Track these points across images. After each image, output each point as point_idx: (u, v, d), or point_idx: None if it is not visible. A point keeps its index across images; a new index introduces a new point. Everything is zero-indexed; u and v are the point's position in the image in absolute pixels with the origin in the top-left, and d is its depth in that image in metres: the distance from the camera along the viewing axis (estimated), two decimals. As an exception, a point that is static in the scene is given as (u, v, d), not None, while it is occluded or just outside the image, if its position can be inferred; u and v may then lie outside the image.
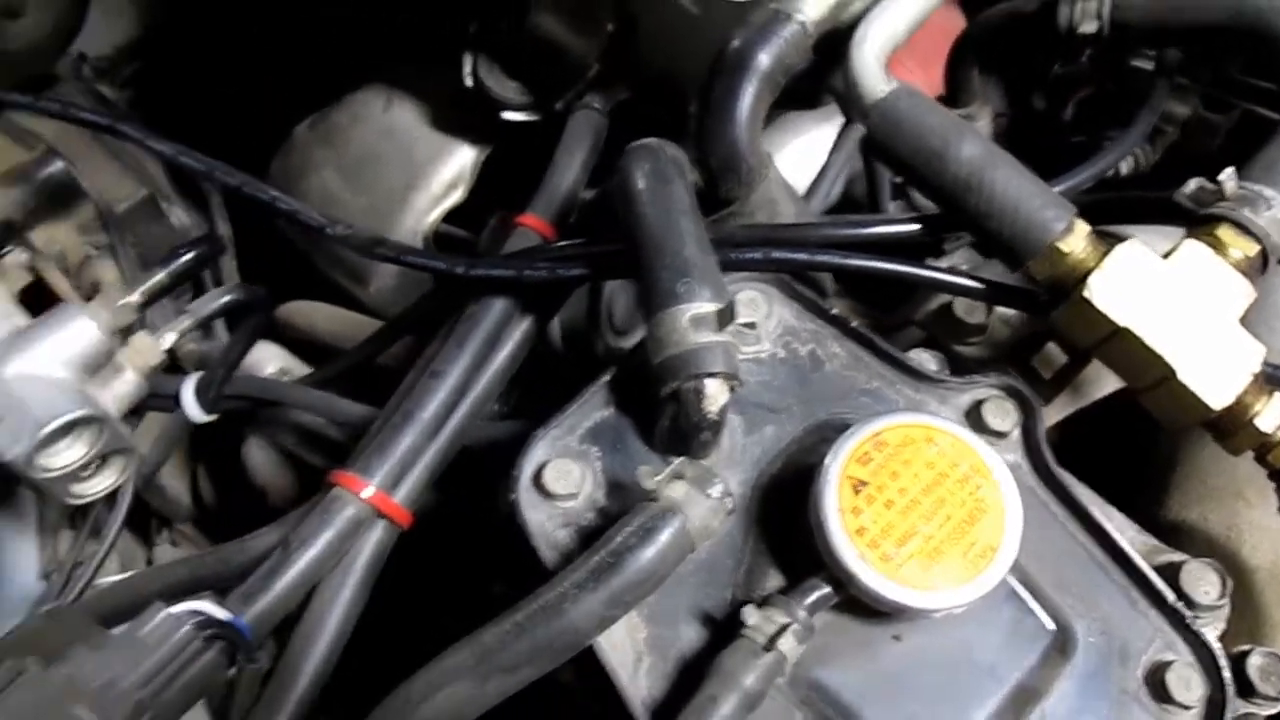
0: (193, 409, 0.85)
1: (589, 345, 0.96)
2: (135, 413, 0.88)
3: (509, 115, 0.97)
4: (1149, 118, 0.88)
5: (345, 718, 0.68)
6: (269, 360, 1.09)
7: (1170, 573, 0.69)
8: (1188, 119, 1.01)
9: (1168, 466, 0.83)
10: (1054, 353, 0.77)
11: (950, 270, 0.76)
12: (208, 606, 0.64)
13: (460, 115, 1.03)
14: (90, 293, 0.97)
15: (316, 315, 1.13)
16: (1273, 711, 0.69)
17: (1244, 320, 0.85)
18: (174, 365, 0.92)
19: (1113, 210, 0.88)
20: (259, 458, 1.07)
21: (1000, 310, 0.80)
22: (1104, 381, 0.87)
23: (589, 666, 0.63)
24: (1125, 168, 1.00)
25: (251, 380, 0.88)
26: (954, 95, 0.98)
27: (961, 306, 0.79)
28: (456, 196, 1.04)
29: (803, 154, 0.95)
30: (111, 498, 0.81)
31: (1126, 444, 0.87)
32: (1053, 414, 0.87)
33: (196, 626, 0.63)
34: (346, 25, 1.14)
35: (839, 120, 0.97)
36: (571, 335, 0.95)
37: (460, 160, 1.04)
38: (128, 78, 1.37)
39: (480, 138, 1.04)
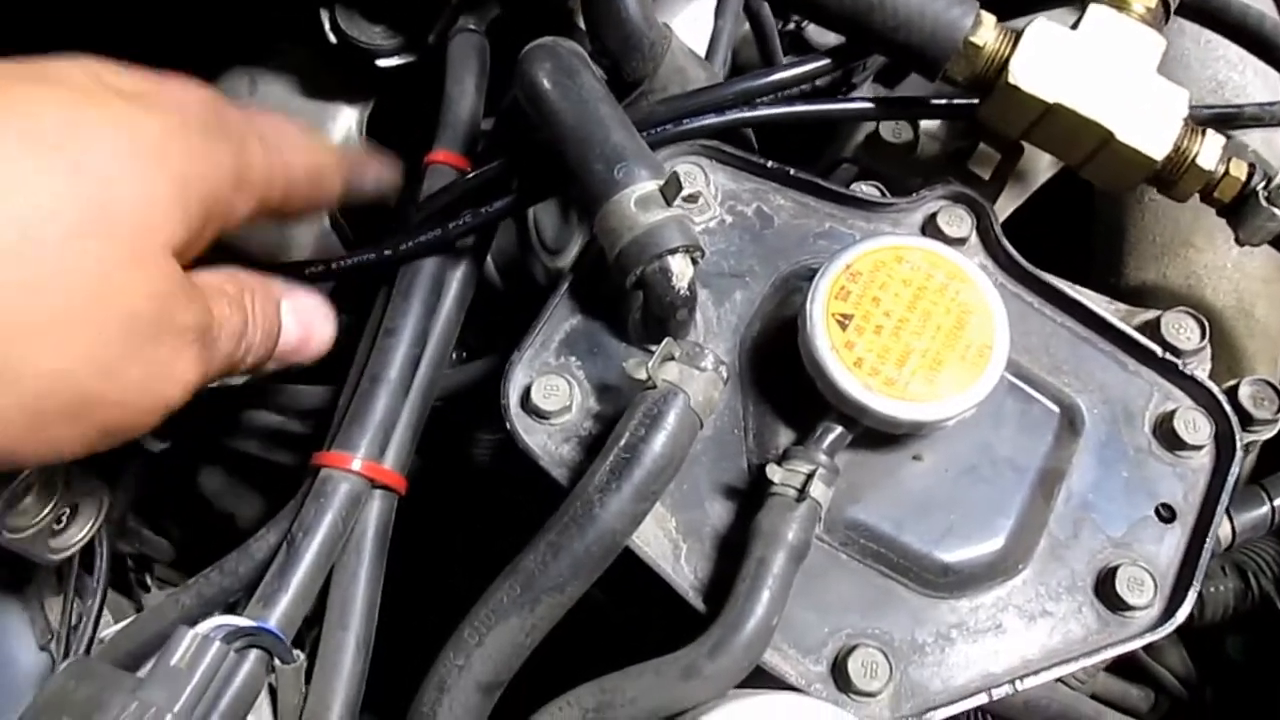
0: (147, 438, 0.81)
1: (526, 272, 0.94)
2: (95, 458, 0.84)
3: (383, 62, 0.92)
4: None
5: (395, 691, 0.67)
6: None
7: (1150, 330, 0.71)
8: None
9: (1114, 236, 0.84)
10: (987, 152, 0.77)
11: (866, 98, 0.75)
12: (231, 619, 0.62)
13: (331, 76, 0.99)
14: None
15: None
16: (1271, 434, 0.72)
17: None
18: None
19: (1009, 4, 0.89)
20: (216, 484, 1.04)
21: (925, 125, 0.80)
22: (1040, 169, 0.88)
23: (627, 572, 0.62)
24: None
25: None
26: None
27: (887, 130, 0.79)
28: (350, 161, 1.00)
29: (689, 27, 0.93)
30: (89, 552, 0.78)
31: (1064, 228, 0.89)
32: (1002, 211, 0.88)
33: (226, 640, 0.60)
34: (194, 21, 1.08)
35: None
36: (506, 265, 0.93)
37: (344, 122, 0.99)
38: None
39: (358, 94, 0.99)
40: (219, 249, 0.69)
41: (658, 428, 0.59)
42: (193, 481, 1.04)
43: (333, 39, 0.92)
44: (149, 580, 1.07)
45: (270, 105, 1.02)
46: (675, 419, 0.59)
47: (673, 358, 0.61)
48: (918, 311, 0.63)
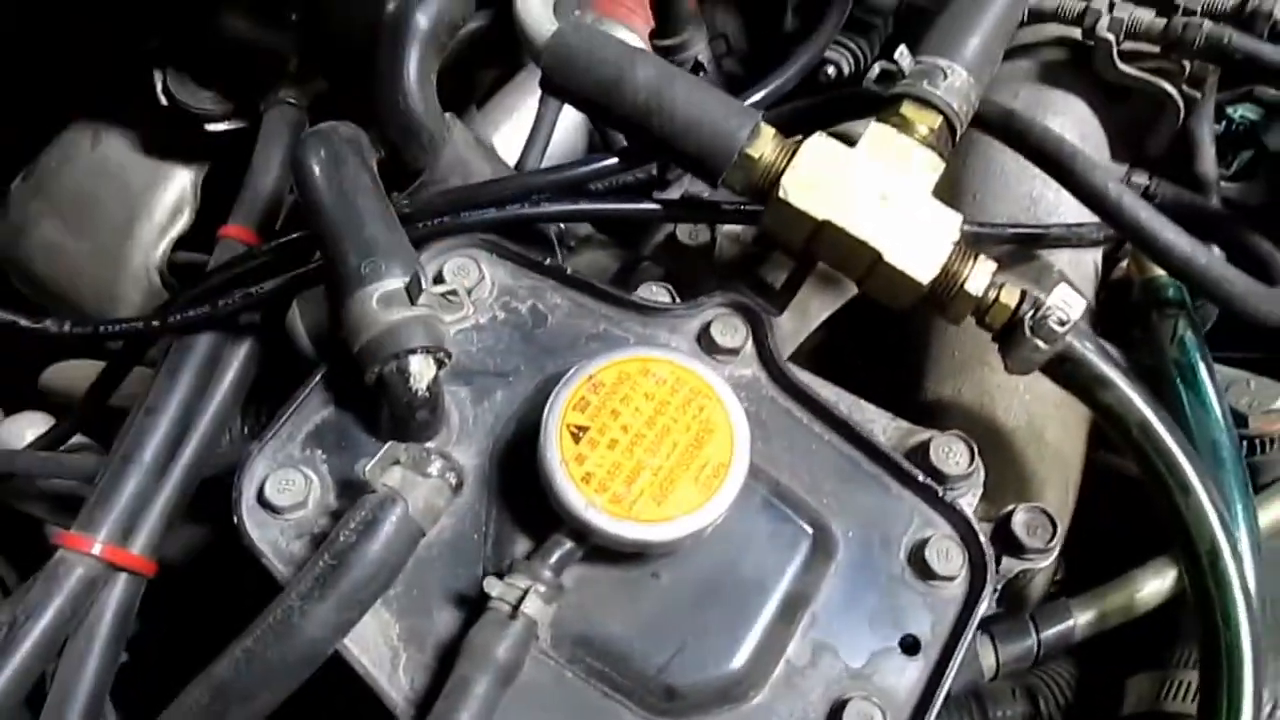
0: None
1: (338, 340, 0.93)
2: None
3: (212, 126, 0.92)
4: (835, 19, 0.89)
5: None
6: (28, 429, 1.03)
7: (921, 452, 0.70)
8: (897, 8, 1.01)
9: (920, 349, 0.84)
10: (780, 259, 0.77)
11: (649, 199, 0.74)
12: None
13: (169, 137, 0.98)
14: None
15: (76, 374, 1.07)
16: (1046, 563, 0.71)
17: (973, 189, 0.87)
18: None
19: (829, 113, 0.89)
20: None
21: (727, 228, 0.80)
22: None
23: (339, 674, 0.60)
24: (847, 67, 1.01)
25: (-29, 459, 0.82)
26: (663, 26, 0.97)
27: (684, 232, 0.78)
28: (183, 222, 0.99)
29: (520, 131, 0.92)
30: None
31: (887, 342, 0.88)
32: (816, 316, 0.87)
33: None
34: (38, 68, 1.07)
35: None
36: (320, 339, 0.91)
37: (179, 183, 0.98)
38: None
39: (194, 156, 0.98)
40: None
41: (370, 535, 0.58)
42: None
43: (163, 101, 0.92)
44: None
45: (110, 161, 1.01)
46: (390, 528, 0.58)
47: (397, 462, 0.60)
48: (656, 427, 0.61)
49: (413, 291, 0.62)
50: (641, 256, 0.81)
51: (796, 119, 0.79)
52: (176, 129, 0.95)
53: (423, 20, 0.70)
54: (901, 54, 0.72)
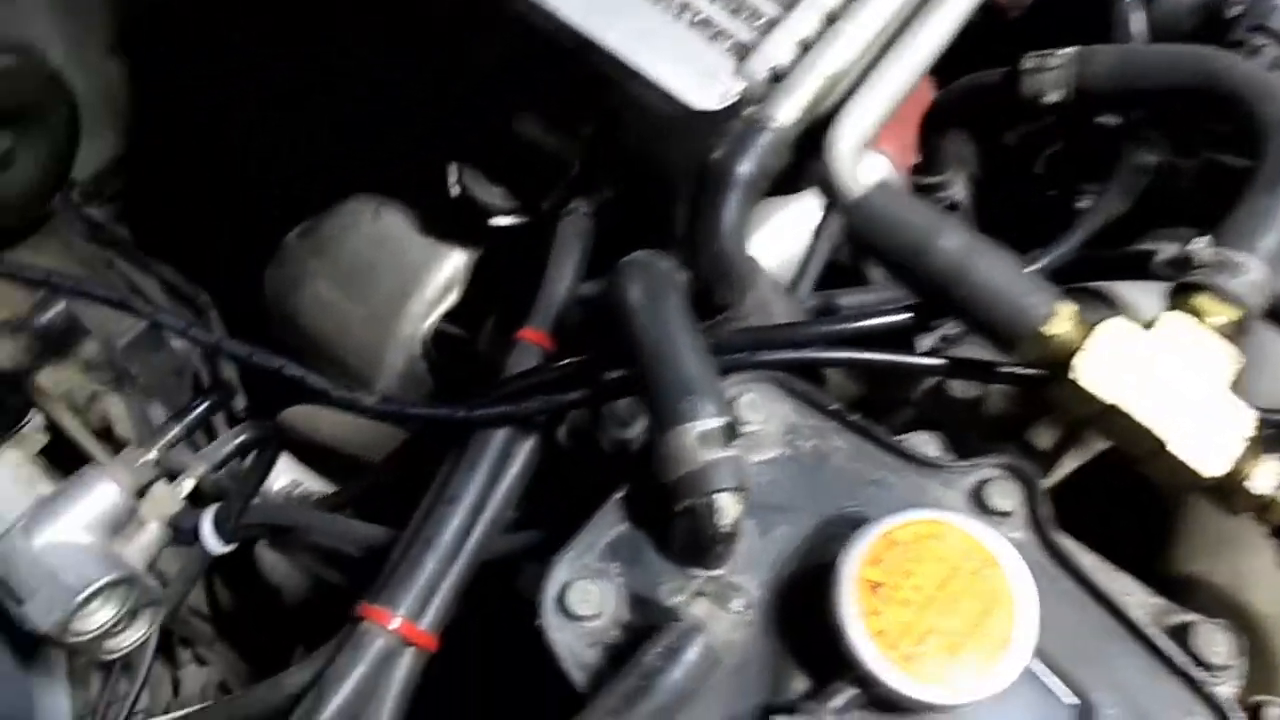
0: (212, 542, 0.86)
1: (594, 439, 0.98)
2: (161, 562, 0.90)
3: (496, 220, 0.99)
4: (1122, 182, 0.91)
5: None
6: (280, 473, 1.11)
7: (1182, 634, 0.71)
8: (1156, 165, 1.03)
9: (1172, 520, 0.85)
10: (1050, 425, 0.79)
11: (938, 354, 0.78)
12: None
13: (449, 220, 1.05)
14: (100, 427, 0.99)
15: (319, 420, 1.14)
16: (1293, 762, 0.71)
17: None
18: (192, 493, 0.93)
19: (1093, 269, 0.91)
20: (270, 559, 1.09)
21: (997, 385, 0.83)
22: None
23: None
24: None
25: (268, 508, 0.90)
26: (928, 163, 1.00)
27: (957, 385, 0.81)
28: (451, 299, 1.06)
29: (771, 238, 0.97)
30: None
31: (1132, 498, 0.89)
32: (1065, 468, 0.89)
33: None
34: (330, 138, 1.16)
35: (802, 202, 0.99)
36: (575, 431, 0.97)
37: (453, 264, 1.06)
38: (115, 192, 1.39)
39: (470, 241, 1.06)
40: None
41: (675, 663, 0.62)
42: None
43: (455, 192, 0.99)
44: (192, 652, 1.12)
45: (390, 235, 1.09)
46: (694, 656, 0.62)
47: (704, 594, 0.64)
48: (947, 592, 0.64)
49: (729, 433, 0.66)
50: (905, 399, 0.84)
51: (1066, 271, 0.83)
52: (458, 215, 1.02)
53: (745, 170, 0.75)
54: (1197, 243, 0.74)
